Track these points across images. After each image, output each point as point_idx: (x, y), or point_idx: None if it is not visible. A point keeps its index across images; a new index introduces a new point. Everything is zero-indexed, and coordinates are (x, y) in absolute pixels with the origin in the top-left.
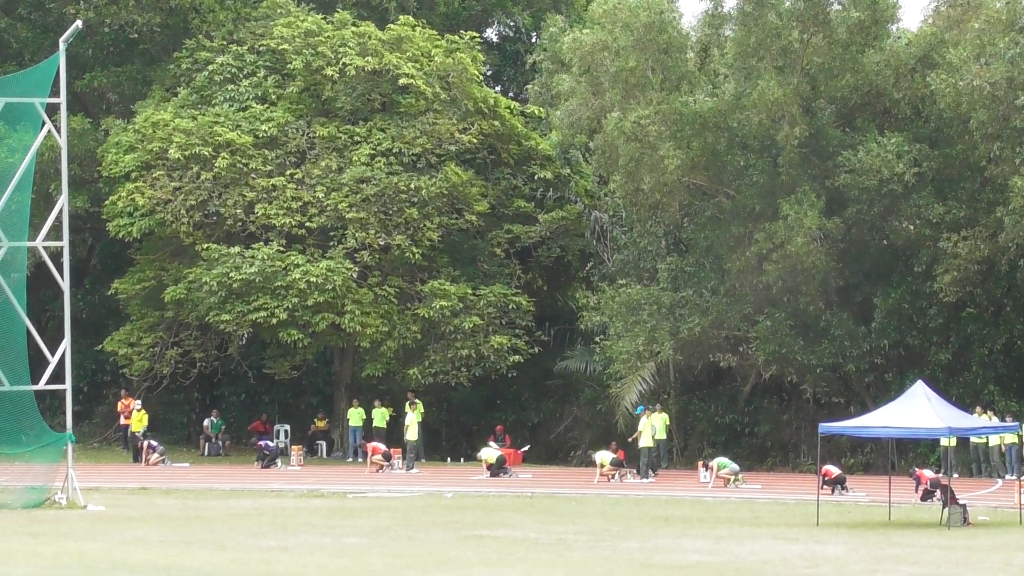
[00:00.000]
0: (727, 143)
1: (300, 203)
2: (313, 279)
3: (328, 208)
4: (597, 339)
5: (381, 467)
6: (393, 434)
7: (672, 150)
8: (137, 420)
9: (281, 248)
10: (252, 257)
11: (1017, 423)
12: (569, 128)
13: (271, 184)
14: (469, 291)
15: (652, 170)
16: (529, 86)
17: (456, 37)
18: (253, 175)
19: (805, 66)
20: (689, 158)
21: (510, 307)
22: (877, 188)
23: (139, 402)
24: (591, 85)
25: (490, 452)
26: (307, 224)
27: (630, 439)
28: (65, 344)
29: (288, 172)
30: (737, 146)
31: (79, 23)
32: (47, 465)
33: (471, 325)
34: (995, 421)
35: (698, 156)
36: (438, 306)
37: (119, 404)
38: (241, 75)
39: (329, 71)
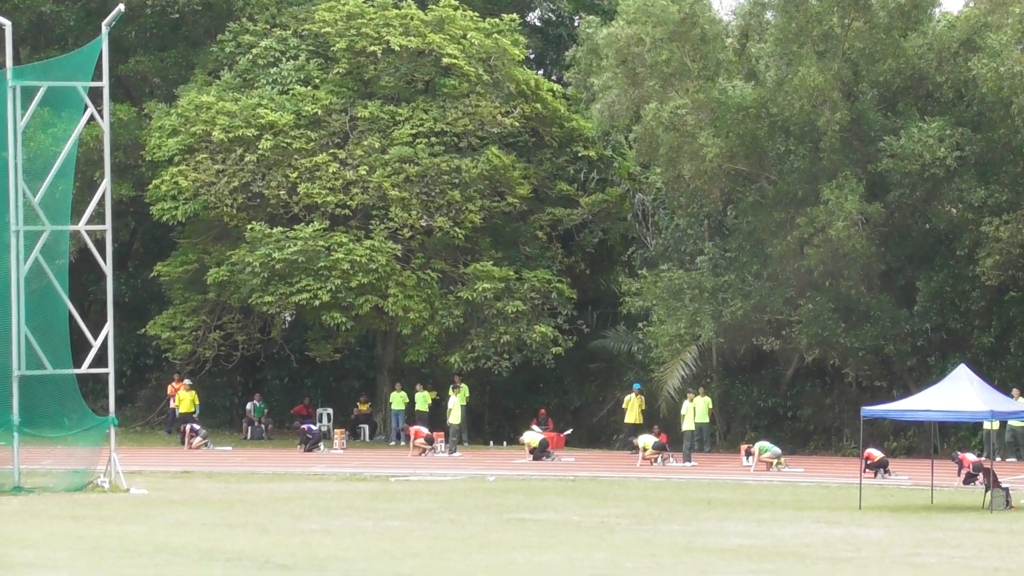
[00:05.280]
0: (767, 129)
1: (343, 182)
2: (357, 258)
3: (371, 186)
4: (640, 325)
5: (424, 451)
6: (436, 418)
7: (711, 138)
8: (189, 401)
9: (324, 228)
10: (295, 237)
11: None
12: (608, 120)
13: (314, 163)
14: (512, 274)
15: (692, 158)
16: (566, 74)
17: (497, 20)
18: (296, 156)
19: (846, 51)
20: (728, 146)
21: (552, 294)
22: (919, 172)
23: (188, 381)
24: (627, 77)
25: (533, 436)
26: (349, 203)
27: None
28: (108, 328)
29: (331, 151)
30: (778, 132)
31: (121, 6)
32: (90, 448)
33: (514, 310)
34: None
35: (738, 144)
36: (481, 288)
37: (169, 387)
38: (284, 58)
39: (373, 49)
